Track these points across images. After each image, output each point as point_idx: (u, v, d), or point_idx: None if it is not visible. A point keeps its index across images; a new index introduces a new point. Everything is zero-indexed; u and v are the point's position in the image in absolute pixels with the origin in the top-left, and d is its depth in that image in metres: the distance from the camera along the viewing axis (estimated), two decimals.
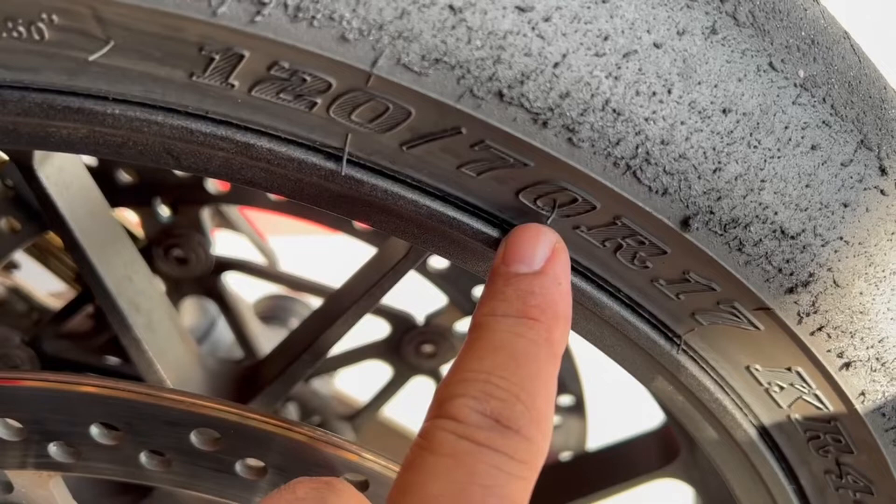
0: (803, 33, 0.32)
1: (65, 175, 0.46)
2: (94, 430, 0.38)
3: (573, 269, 0.35)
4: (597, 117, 0.29)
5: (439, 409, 0.29)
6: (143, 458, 0.39)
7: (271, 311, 0.91)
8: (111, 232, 0.51)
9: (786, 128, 0.31)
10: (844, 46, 0.34)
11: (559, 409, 0.85)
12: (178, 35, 0.28)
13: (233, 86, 0.30)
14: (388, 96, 0.29)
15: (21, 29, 0.29)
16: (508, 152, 0.30)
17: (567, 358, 0.81)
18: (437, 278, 0.77)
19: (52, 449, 0.39)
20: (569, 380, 0.82)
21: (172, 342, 0.53)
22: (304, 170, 0.32)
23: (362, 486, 0.39)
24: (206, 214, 0.71)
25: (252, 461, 0.39)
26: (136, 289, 0.51)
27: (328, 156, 0.32)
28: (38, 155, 0.43)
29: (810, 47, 0.32)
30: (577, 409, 0.84)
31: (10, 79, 0.31)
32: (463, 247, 0.35)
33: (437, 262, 0.77)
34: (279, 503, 0.30)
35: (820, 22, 0.33)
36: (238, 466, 0.39)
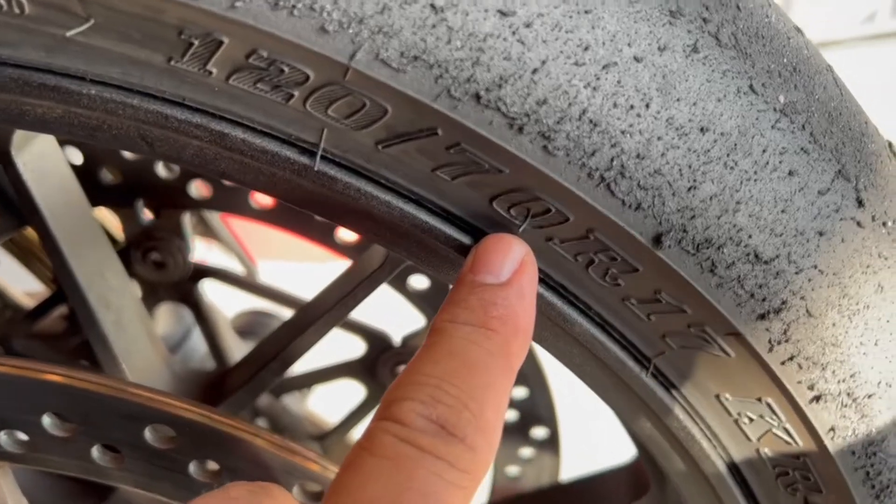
0: (785, 60, 0.32)
1: (44, 164, 0.45)
2: (47, 421, 0.37)
3: (545, 283, 0.35)
4: (573, 126, 0.29)
5: (385, 411, 0.28)
6: (95, 452, 0.38)
7: (249, 327, 0.90)
8: (88, 227, 0.50)
9: (763, 151, 0.31)
10: (827, 78, 0.34)
11: (532, 443, 0.84)
12: (158, 17, 0.28)
13: (210, 72, 0.29)
14: (366, 92, 0.29)
15: (1, 2, 0.29)
16: (484, 157, 0.30)
17: (543, 389, 0.80)
18: (416, 298, 0.76)
19: (2, 437, 0.38)
20: (545, 412, 0.81)
21: (140, 343, 0.52)
22: (278, 163, 0.32)
23: (318, 497, 0.38)
24: (187, 220, 0.70)
25: (207, 463, 0.38)
26: (108, 286, 0.50)
27: (302, 150, 0.32)
28: (16, 140, 0.42)
29: (792, 74, 0.32)
30: (552, 443, 0.83)
31: None
32: (434, 253, 0.35)
33: (418, 283, 0.76)
34: (211, 502, 0.29)
35: (803, 52, 0.33)
36: (192, 467, 0.38)
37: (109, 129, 0.32)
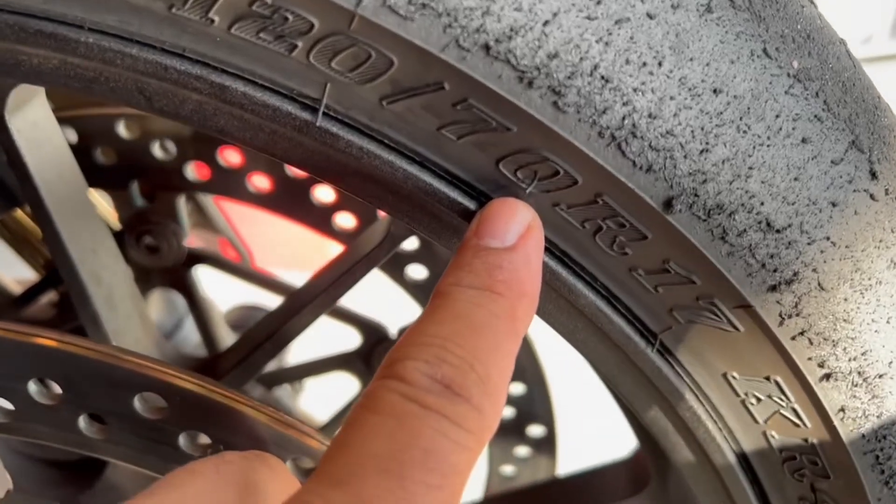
0: (799, 27, 0.32)
1: (38, 133, 0.44)
2: (32, 388, 0.36)
3: (551, 251, 0.34)
4: (584, 82, 0.28)
5: (388, 370, 0.27)
6: (81, 422, 0.37)
7: (242, 321, 0.89)
8: (81, 202, 0.49)
9: (777, 116, 0.30)
10: (840, 49, 0.33)
11: (529, 441, 0.82)
12: None
13: (212, 21, 0.29)
14: (371, 42, 0.28)
15: None
16: (491, 113, 0.29)
17: (541, 385, 0.79)
18: (414, 289, 0.75)
19: None
20: (542, 409, 0.80)
21: (132, 323, 0.51)
22: (279, 119, 0.31)
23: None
24: (182, 203, 0.69)
25: (198, 436, 0.37)
26: (101, 262, 0.49)
27: (304, 106, 0.31)
28: (10, 104, 0.41)
29: (805, 41, 0.32)
30: (548, 442, 0.81)
31: None
32: (437, 219, 0.34)
33: (416, 273, 0.75)
34: (205, 464, 0.28)
35: (816, 21, 0.33)
36: (182, 440, 0.37)
37: (107, 80, 0.32)
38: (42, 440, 0.38)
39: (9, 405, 0.37)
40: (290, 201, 0.70)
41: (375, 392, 0.27)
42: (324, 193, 0.71)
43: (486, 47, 0.28)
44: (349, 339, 0.77)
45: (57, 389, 0.36)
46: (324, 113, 0.31)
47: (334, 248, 0.75)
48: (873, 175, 0.33)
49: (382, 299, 0.78)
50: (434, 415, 0.26)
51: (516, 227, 0.31)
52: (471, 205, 0.32)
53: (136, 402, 0.36)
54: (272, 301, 0.85)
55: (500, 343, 0.29)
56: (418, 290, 0.75)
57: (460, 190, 0.32)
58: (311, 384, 0.87)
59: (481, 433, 0.27)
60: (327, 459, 0.26)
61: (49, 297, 0.71)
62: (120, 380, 0.35)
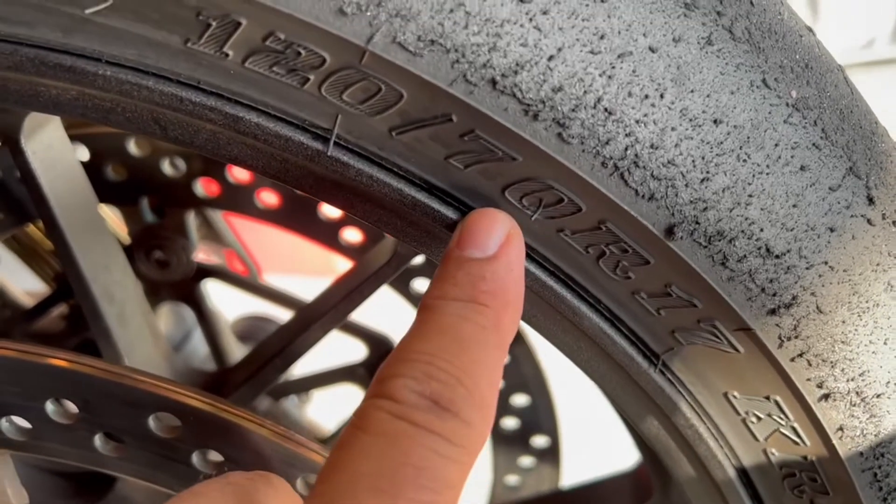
0: (798, 56, 0.32)
1: (52, 153, 0.45)
2: (50, 407, 0.37)
3: (555, 275, 0.34)
4: (588, 114, 0.29)
5: (377, 389, 0.28)
6: (97, 441, 0.38)
7: (248, 332, 0.90)
8: (93, 220, 0.50)
9: (776, 145, 0.31)
10: (837, 76, 0.34)
11: (533, 451, 0.83)
12: None
13: (227, 55, 0.30)
14: (381, 76, 0.29)
15: None
16: (498, 144, 0.30)
17: (545, 396, 0.80)
18: (419, 302, 0.76)
19: (4, 424, 0.37)
20: (546, 420, 0.81)
21: (143, 338, 0.52)
22: (291, 148, 0.32)
23: None
24: (191, 218, 0.70)
25: (209, 453, 0.38)
26: (112, 279, 0.50)
27: (316, 136, 0.32)
28: (26, 128, 0.42)
29: (804, 70, 0.32)
30: (552, 452, 0.82)
31: (4, 32, 0.31)
32: (445, 244, 0.34)
33: (421, 286, 0.76)
34: (210, 486, 0.29)
35: (814, 50, 0.34)
36: (195, 457, 0.37)
37: (123, 111, 0.32)
38: (58, 458, 0.39)
39: (26, 424, 0.38)
40: (298, 217, 0.71)
41: (366, 411, 0.28)
42: (331, 209, 0.72)
43: (493, 82, 0.29)
44: (355, 351, 0.78)
45: (74, 409, 0.37)
46: (335, 143, 0.31)
47: (337, 257, 0.76)
48: (870, 200, 0.33)
49: (388, 312, 0.79)
50: (424, 432, 0.26)
51: (496, 236, 0.31)
52: None
53: (151, 422, 0.37)
54: (277, 311, 0.86)
55: (487, 354, 0.29)
56: None
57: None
58: (318, 394, 0.87)
59: (472, 446, 0.28)
60: (321, 480, 0.26)
61: (59, 309, 0.72)
62: (136, 400, 0.36)
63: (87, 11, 0.29)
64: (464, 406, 0.28)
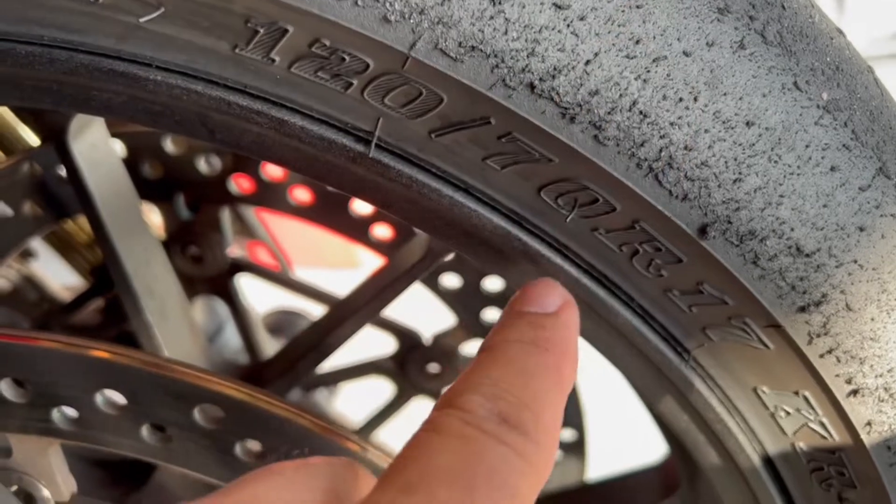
0: (828, 59, 0.33)
1: (96, 153, 0.47)
2: (99, 398, 0.38)
3: (590, 273, 0.35)
4: (623, 117, 0.30)
5: (446, 403, 0.28)
6: (144, 431, 0.39)
7: (278, 325, 0.92)
8: (134, 217, 0.52)
9: (807, 146, 0.32)
10: (868, 78, 0.35)
11: (560, 444, 0.84)
12: (226, 5, 0.29)
13: (273, 61, 0.31)
14: (423, 81, 0.30)
15: None
16: (534, 146, 0.31)
17: (572, 391, 0.80)
18: (448, 297, 0.77)
19: (55, 414, 0.39)
20: (572, 414, 0.82)
21: (182, 332, 0.54)
22: (334, 150, 0.33)
23: None
24: (226, 215, 0.72)
25: (249, 443, 0.39)
26: (153, 274, 0.51)
27: (358, 139, 0.33)
28: (72, 129, 0.44)
29: (835, 73, 0.33)
30: (578, 446, 0.83)
31: (61, 39, 0.32)
32: (481, 242, 0.35)
33: (450, 281, 0.77)
34: (286, 464, 0.29)
35: (845, 52, 0.34)
36: (238, 448, 0.39)
37: (172, 114, 0.34)
38: (105, 447, 0.40)
39: (75, 414, 0.39)
40: (330, 213, 0.72)
41: (437, 418, 0.28)
42: (362, 205, 0.73)
43: (531, 86, 0.29)
44: (384, 345, 0.79)
45: (122, 400, 0.38)
46: (376, 145, 0.33)
47: (360, 249, 0.77)
48: None
49: (416, 306, 0.80)
50: (494, 441, 0.27)
51: (556, 299, 0.33)
52: (513, 230, 0.34)
53: (196, 413, 0.38)
54: (307, 304, 0.88)
55: (549, 389, 0.30)
56: (452, 299, 0.77)
57: (503, 216, 0.34)
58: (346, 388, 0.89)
59: (539, 465, 0.27)
60: (394, 470, 0.26)
61: (96, 303, 0.74)
62: (181, 392, 0.38)
63: (142, 20, 0.30)
64: (531, 427, 0.27)
